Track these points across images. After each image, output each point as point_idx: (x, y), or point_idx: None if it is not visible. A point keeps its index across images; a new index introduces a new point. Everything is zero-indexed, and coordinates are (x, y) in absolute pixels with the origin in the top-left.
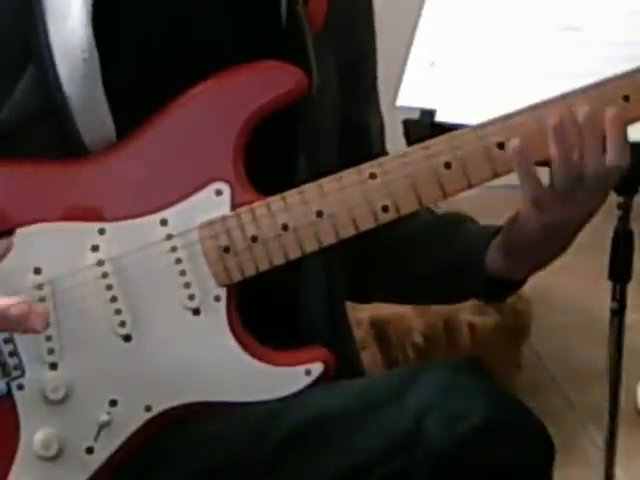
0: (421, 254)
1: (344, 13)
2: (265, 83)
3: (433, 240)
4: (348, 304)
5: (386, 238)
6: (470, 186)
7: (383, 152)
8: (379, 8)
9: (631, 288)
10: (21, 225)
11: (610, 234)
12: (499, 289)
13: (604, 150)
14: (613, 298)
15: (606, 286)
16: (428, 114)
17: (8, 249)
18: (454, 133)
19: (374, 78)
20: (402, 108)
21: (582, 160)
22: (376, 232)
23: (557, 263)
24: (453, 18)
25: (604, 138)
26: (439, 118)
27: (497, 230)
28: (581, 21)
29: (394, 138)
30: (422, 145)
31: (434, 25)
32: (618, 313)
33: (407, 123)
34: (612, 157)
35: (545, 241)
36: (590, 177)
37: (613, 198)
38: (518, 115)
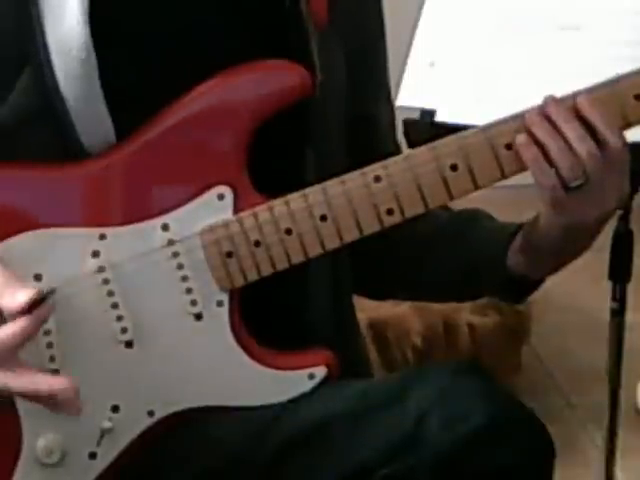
0: (438, 252)
1: (349, 9)
2: (268, 82)
3: (450, 238)
4: None
5: (404, 236)
6: (477, 188)
7: (394, 144)
8: None
9: (631, 288)
10: (21, 231)
11: (610, 234)
12: (518, 288)
13: (597, 140)
14: (613, 298)
15: (606, 286)
16: (428, 114)
17: None
18: (460, 134)
19: (384, 71)
20: (402, 108)
21: (576, 154)
22: (394, 230)
23: None
24: (453, 18)
25: (593, 131)
26: (439, 118)
27: (517, 228)
28: (581, 21)
29: None
30: (427, 147)
31: (434, 25)
32: (618, 313)
33: (407, 123)
34: (608, 139)
35: (567, 242)
36: (592, 167)
37: None
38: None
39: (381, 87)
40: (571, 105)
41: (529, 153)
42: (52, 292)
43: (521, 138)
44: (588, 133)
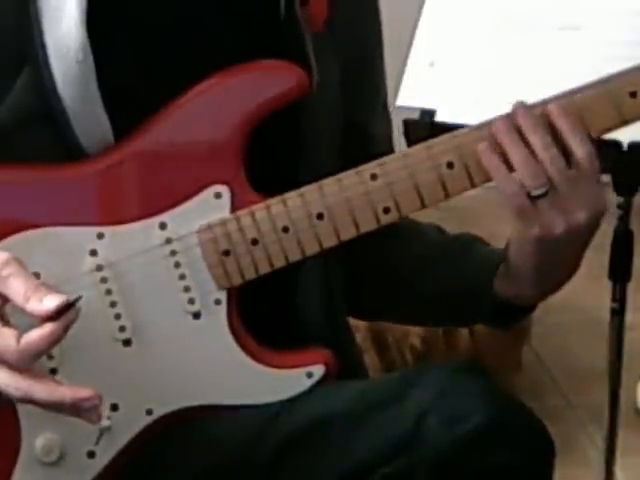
0: (429, 276)
1: (348, 15)
2: (265, 82)
3: (442, 263)
4: None
5: (399, 256)
6: (473, 186)
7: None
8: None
9: (631, 288)
10: (19, 231)
11: (610, 234)
12: (507, 315)
13: (565, 150)
14: (613, 298)
15: (606, 286)
16: (428, 114)
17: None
18: (456, 132)
19: (380, 80)
20: (402, 108)
21: (540, 161)
22: (383, 252)
23: None
24: (453, 18)
25: (561, 140)
26: (439, 118)
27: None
28: (581, 21)
29: (394, 138)
30: (424, 145)
31: (434, 25)
32: (618, 313)
33: (407, 123)
34: (575, 149)
35: (544, 261)
36: (556, 175)
37: (613, 198)
38: None
39: (377, 96)
40: (540, 112)
41: (490, 160)
42: (78, 299)
43: (482, 146)
44: (555, 141)
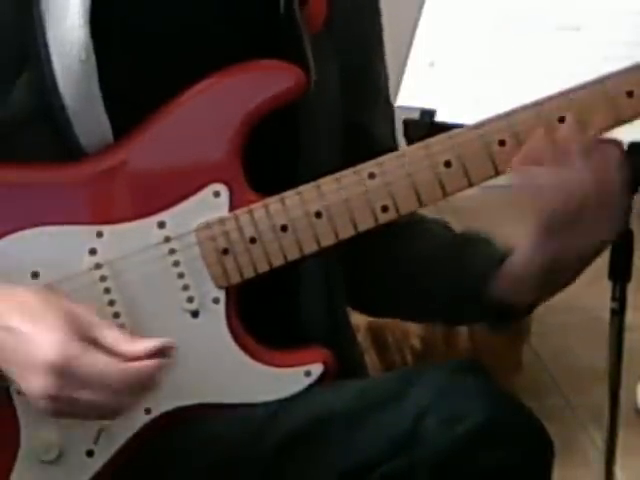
0: (433, 273)
1: (347, 15)
2: (263, 82)
3: (447, 260)
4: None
5: (405, 254)
6: (471, 185)
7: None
8: None
9: (631, 288)
10: (19, 229)
11: None
12: (505, 316)
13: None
14: (613, 298)
15: (606, 286)
16: (428, 114)
17: None
18: (454, 132)
19: (381, 82)
20: (402, 108)
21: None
22: (396, 247)
23: None
24: (453, 18)
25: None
26: (439, 118)
27: (503, 256)
28: (581, 21)
29: None
30: (421, 144)
31: (434, 25)
32: (618, 313)
33: (407, 123)
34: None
35: (552, 272)
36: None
37: None
38: (519, 112)
39: (378, 95)
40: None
41: (522, 177)
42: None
43: (515, 160)
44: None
